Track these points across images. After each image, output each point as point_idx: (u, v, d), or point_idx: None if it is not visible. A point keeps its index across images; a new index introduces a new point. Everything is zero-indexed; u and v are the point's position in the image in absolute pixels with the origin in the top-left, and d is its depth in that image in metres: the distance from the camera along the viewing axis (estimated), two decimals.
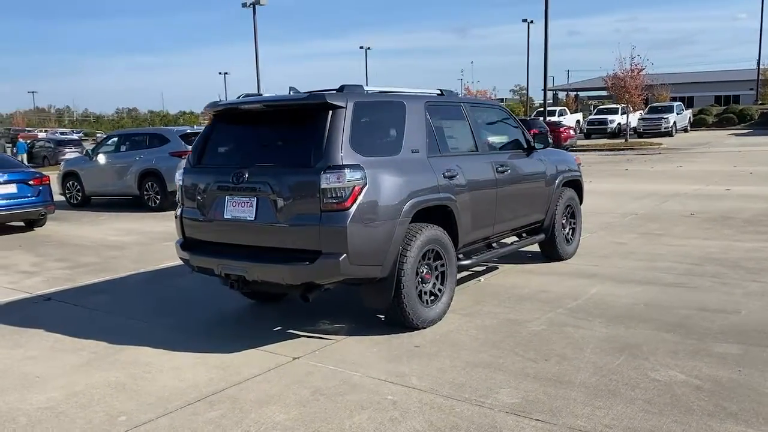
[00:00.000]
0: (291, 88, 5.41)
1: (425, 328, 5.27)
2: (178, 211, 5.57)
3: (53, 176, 14.25)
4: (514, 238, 7.19)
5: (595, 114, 40.95)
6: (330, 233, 4.63)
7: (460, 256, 5.90)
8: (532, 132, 26.08)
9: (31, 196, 11.57)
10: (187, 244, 5.49)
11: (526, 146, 6.94)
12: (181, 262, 5.77)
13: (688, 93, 59.95)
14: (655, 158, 23.11)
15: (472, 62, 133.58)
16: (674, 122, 36.81)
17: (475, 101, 6.82)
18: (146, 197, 13.98)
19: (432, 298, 5.39)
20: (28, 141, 37.33)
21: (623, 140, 32.59)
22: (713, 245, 8.08)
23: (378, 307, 5.20)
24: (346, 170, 4.65)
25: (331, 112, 4.81)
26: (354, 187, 4.66)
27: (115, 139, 15.57)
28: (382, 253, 4.87)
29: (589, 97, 73.93)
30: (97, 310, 6.36)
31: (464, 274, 7.07)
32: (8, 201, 11.29)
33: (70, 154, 30.93)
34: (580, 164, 8.17)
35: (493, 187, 6.13)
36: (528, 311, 5.69)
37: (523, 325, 5.34)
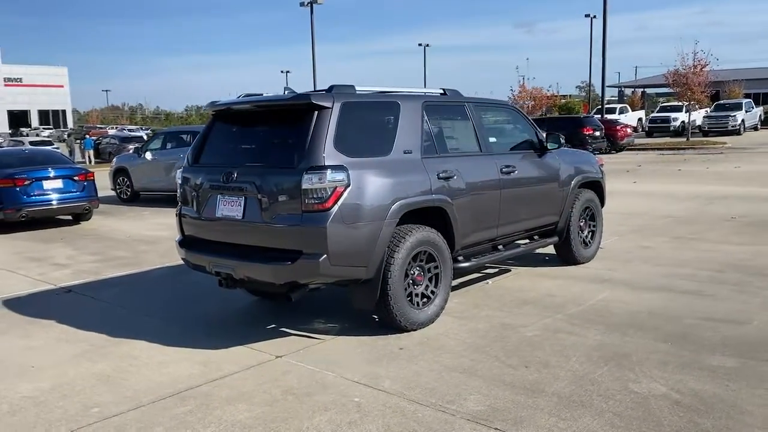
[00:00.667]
0: (286, 88, 5.46)
1: (415, 330, 5.23)
2: (178, 209, 5.70)
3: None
4: (527, 241, 7.03)
5: (657, 111, 39.52)
6: (310, 233, 4.65)
7: (460, 258, 5.82)
8: (585, 131, 25.37)
9: (76, 191, 12.07)
10: (185, 241, 5.62)
11: (539, 146, 6.77)
12: None
13: (763, 89, 57.04)
14: (714, 158, 22.14)
15: (527, 59, 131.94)
16: (742, 120, 35.17)
17: (482, 101, 6.67)
18: None
19: (424, 300, 5.34)
20: (96, 138, 38.89)
21: (685, 139, 31.34)
22: (744, 251, 7.68)
23: (365, 308, 5.19)
24: (328, 171, 4.65)
25: (316, 112, 4.82)
26: (336, 187, 4.66)
27: (162, 137, 16.09)
28: (366, 254, 4.85)
29: (658, 94, 71.47)
30: (109, 303, 6.59)
31: (474, 275, 6.97)
32: (56, 196, 11.82)
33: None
34: (602, 165, 7.90)
35: (496, 188, 6.01)
36: (526, 316, 5.56)
37: (516, 330, 5.22)
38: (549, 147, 6.76)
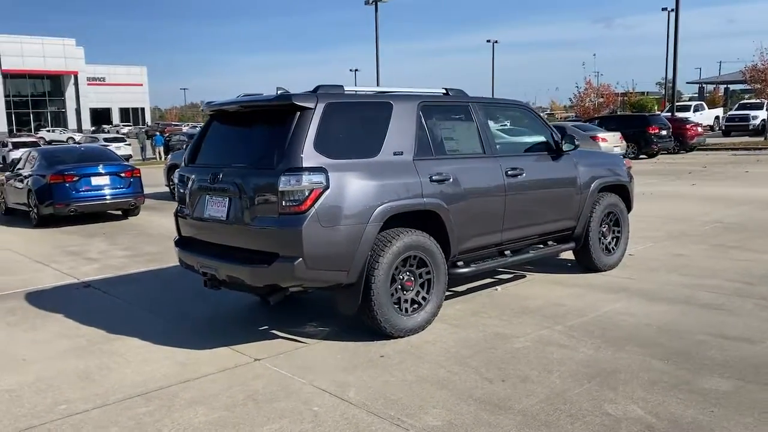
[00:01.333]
0: (278, 89, 5.40)
1: (402, 337, 5.08)
2: (176, 209, 5.76)
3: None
4: (541, 246, 6.73)
5: (735, 109, 37.41)
6: (286, 236, 4.58)
7: (459, 263, 5.63)
8: (651, 129, 24.25)
9: (122, 188, 12.50)
10: (180, 241, 5.67)
11: (554, 148, 6.47)
12: None
13: None
14: None
15: (594, 54, 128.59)
16: None
17: (490, 101, 6.42)
18: None
19: (414, 306, 5.18)
20: (166, 134, 40.29)
21: (763, 138, 29.56)
22: None
23: (347, 312, 5.07)
24: (305, 173, 4.57)
25: (298, 113, 4.75)
26: (313, 189, 4.57)
27: None
28: (347, 258, 4.74)
29: (742, 91, 67.77)
30: (120, 299, 6.74)
31: (486, 280, 6.75)
32: (102, 191, 12.27)
33: None
34: (629, 168, 7.48)
35: (499, 192, 5.77)
36: (523, 326, 5.32)
37: (508, 340, 4.99)
38: (564, 149, 6.45)
